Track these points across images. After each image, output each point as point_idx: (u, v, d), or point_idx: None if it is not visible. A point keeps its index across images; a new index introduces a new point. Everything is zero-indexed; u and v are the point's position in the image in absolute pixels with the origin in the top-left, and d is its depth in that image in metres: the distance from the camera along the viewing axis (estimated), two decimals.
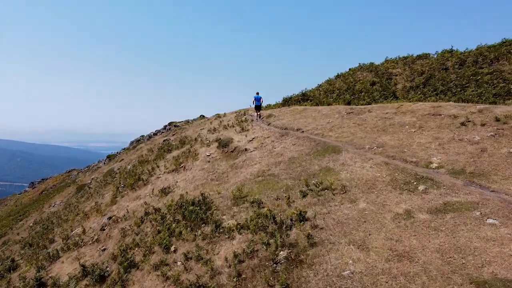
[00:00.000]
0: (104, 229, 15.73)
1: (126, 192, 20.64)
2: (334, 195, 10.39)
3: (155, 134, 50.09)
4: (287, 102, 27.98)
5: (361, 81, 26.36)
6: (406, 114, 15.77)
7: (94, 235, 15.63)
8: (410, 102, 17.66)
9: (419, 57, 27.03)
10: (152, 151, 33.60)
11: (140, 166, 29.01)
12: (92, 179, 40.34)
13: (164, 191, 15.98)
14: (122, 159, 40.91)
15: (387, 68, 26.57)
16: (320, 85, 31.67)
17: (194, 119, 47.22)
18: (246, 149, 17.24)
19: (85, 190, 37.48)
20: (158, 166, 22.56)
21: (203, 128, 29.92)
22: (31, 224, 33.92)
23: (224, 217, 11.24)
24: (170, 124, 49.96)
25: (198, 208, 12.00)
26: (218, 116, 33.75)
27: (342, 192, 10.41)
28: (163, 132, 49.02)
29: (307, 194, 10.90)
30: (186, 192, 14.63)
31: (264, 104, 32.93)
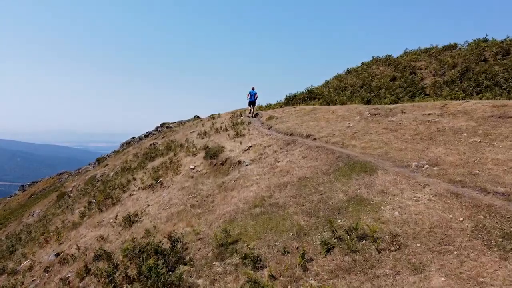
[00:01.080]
0: (48, 271, 11.40)
1: (93, 212, 16.30)
2: (380, 252, 6.08)
3: (146, 136, 45.72)
4: (291, 101, 23.60)
5: (378, 76, 21.96)
6: (457, 116, 11.38)
7: (33, 280, 11.30)
8: (457, 100, 13.28)
9: (446, 48, 22.64)
10: (137, 156, 29.27)
11: (121, 174, 24.78)
12: (73, 186, 35.95)
13: (129, 220, 11.60)
14: (107, 165, 36.54)
15: (409, 61, 22.15)
16: (328, 81, 27.28)
17: (188, 120, 42.86)
18: (240, 162, 12.89)
19: (64, 199, 33.02)
20: (134, 179, 18.20)
21: (193, 131, 25.57)
22: (2, 238, 29.52)
23: (199, 281, 6.89)
24: (162, 125, 45.61)
25: (163, 261, 7.63)
26: (211, 117, 29.37)
27: (393, 248, 6.10)
28: (154, 134, 44.64)
29: (334, 246, 6.58)
30: (154, 227, 10.25)
31: (262, 103, 28.61)
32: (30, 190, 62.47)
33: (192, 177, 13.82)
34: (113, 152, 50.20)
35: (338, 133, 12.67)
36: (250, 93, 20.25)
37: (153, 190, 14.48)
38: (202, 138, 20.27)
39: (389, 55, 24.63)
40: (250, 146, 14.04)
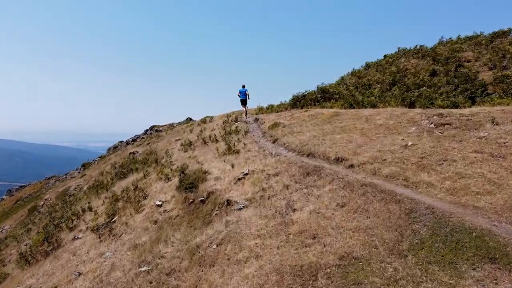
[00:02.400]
0: None
1: (17, 269, 11.09)
2: None
3: (133, 140, 40.48)
4: (299, 102, 18.43)
5: (411, 71, 16.78)
6: None
7: None
8: None
9: (496, 35, 17.45)
10: (115, 167, 24.11)
11: (88, 193, 19.73)
12: (46, 200, 30.68)
13: None
14: (85, 175, 31.34)
15: (451, 52, 16.96)
16: (343, 78, 22.11)
17: (179, 123, 37.68)
18: (229, 202, 7.72)
19: (33, 214, 27.76)
20: (90, 208, 13.08)
21: (179, 139, 20.44)
22: None
23: None
24: (151, 128, 40.43)
25: None
26: (203, 121, 24.19)
27: None
28: (143, 137, 39.38)
29: None
30: None
31: (263, 104, 23.47)
32: (17, 195, 57.08)
33: (155, 221, 8.67)
34: (99, 158, 45.02)
35: (390, 157, 7.47)
36: (240, 92, 17.44)
37: (100, 238, 9.33)
38: (185, 151, 15.11)
39: (421, 46, 19.45)
40: (246, 174, 8.85)
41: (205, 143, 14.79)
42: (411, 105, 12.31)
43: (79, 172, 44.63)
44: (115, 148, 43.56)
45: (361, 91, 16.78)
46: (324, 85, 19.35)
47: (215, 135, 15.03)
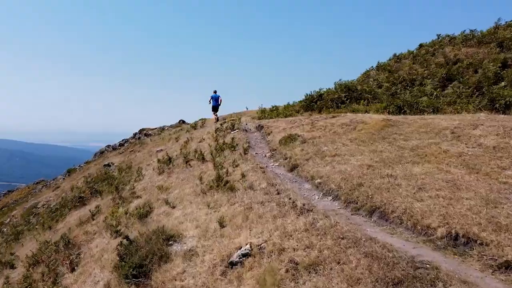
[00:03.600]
0: None
1: None
2: None
3: (121, 144, 35.70)
4: (315, 102, 13.78)
5: (469, 62, 12.07)
6: None
7: None
8: None
9: None
10: (87, 181, 19.46)
11: (45, 218, 15.07)
12: (12, 216, 25.89)
13: None
14: (59, 187, 26.61)
15: None
16: (367, 73, 17.47)
17: (171, 126, 32.98)
18: None
19: None
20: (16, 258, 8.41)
21: (160, 150, 15.78)
22: None
23: None
24: (140, 131, 35.64)
25: None
26: (193, 126, 19.48)
27: None
28: (131, 142, 34.70)
29: None
30: None
31: (266, 105, 18.95)
32: (3, 200, 52.44)
33: None
34: (85, 163, 40.26)
35: None
36: (212, 97, 16.26)
37: None
38: (159, 173, 10.42)
39: (471, 30, 14.77)
40: (247, 254, 4.18)
41: (186, 162, 10.08)
42: (506, 108, 7.63)
43: (63, 178, 39.72)
44: (101, 153, 38.68)
45: (400, 88, 12.11)
46: (345, 82, 14.68)
47: (201, 151, 10.32)
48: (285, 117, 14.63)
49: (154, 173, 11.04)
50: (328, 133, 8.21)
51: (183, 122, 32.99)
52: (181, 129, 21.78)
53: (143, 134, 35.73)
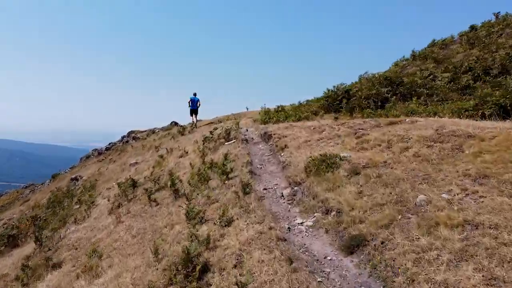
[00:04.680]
0: None
1: None
2: None
3: (107, 148, 31.74)
4: (340, 101, 9.81)
5: None
6: None
7: None
8: None
9: None
10: (50, 199, 15.56)
11: None
12: None
13: None
14: (28, 200, 22.62)
15: None
16: (400, 64, 13.50)
17: (162, 128, 28.98)
18: None
19: None
20: None
21: (135, 163, 11.88)
22: None
23: None
24: (129, 134, 31.70)
25: None
26: (180, 131, 15.45)
27: None
28: (117, 145, 30.70)
29: None
30: None
31: (269, 105, 15.14)
32: None
33: None
34: (70, 169, 36.21)
35: None
36: (191, 100, 14.87)
37: None
38: (110, 213, 6.50)
39: None
40: None
41: (150, 197, 6.11)
42: None
43: (48, 184, 35.53)
44: (87, 158, 34.55)
45: (470, 80, 8.13)
46: (379, 73, 10.69)
47: (177, 176, 6.37)
48: (298, 120, 10.66)
49: (106, 208, 7.06)
50: (403, 157, 4.24)
51: (176, 124, 28.89)
52: (168, 134, 17.81)
53: (131, 137, 31.79)
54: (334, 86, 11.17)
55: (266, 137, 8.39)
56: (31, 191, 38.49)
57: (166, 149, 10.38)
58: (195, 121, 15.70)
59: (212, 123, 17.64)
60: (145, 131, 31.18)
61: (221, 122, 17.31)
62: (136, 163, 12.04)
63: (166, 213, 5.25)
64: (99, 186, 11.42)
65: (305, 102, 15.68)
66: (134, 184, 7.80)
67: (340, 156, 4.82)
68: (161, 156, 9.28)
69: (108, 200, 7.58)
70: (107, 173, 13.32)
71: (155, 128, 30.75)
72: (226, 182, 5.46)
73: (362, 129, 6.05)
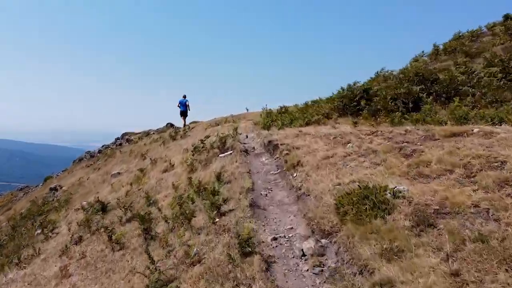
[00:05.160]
0: None
1: None
2: None
3: (100, 151, 29.99)
4: (357, 102, 8.06)
5: None
6: None
7: None
8: None
9: None
10: (37, 203, 13.87)
11: None
12: None
13: None
14: (10, 209, 20.94)
15: None
16: (419, 59, 11.77)
17: (157, 130, 27.26)
18: None
19: None
20: None
21: (117, 174, 10.15)
22: None
23: None
24: (123, 136, 30.03)
25: None
26: (172, 136, 13.66)
27: None
28: (113, 146, 28.96)
29: None
30: None
31: (272, 106, 13.57)
32: None
33: None
34: (62, 172, 34.49)
35: None
36: (180, 102, 14.45)
37: None
38: (62, 254, 4.80)
39: None
40: None
41: (113, 243, 4.38)
42: None
43: (40, 187, 33.78)
44: (79, 160, 32.86)
45: None
46: (416, 66, 8.94)
47: (157, 201, 4.66)
48: (307, 124, 8.93)
49: (61, 243, 5.31)
50: (508, 199, 2.47)
51: (171, 125, 27.14)
52: (160, 137, 16.04)
53: (125, 139, 30.23)
54: (348, 85, 9.40)
55: (271, 147, 6.64)
56: (24, 193, 36.65)
57: (151, 159, 8.60)
58: (184, 122, 15.52)
59: (209, 125, 15.91)
60: (140, 133, 29.44)
61: (218, 125, 15.55)
62: (119, 173, 10.28)
63: (127, 269, 3.51)
64: (74, 201, 9.69)
65: (310, 102, 13.90)
66: (103, 208, 6.07)
67: (391, 189, 3.06)
68: (142, 170, 7.51)
69: (69, 230, 5.85)
70: (87, 184, 11.57)
71: (150, 130, 29.01)
72: (217, 220, 3.72)
73: (407, 142, 4.29)
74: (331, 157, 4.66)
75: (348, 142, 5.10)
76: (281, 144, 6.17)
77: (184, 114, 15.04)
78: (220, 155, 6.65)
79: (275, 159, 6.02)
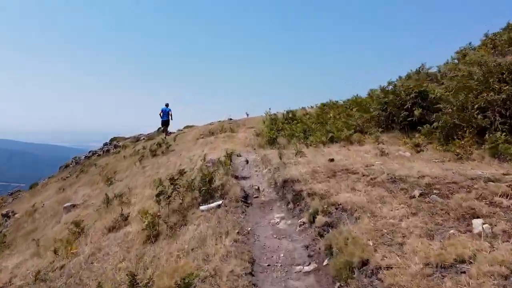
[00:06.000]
0: None
1: None
2: None
3: (87, 157, 27.20)
4: (410, 112, 5.28)
5: None
6: None
7: None
8: None
9: None
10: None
11: None
12: None
13: None
14: None
15: None
16: (465, 52, 8.84)
17: (149, 134, 24.48)
18: None
19: None
20: None
21: (72, 207, 7.37)
22: None
23: None
24: (111, 141, 27.25)
25: None
26: (153, 151, 10.75)
27: None
28: (99, 154, 26.18)
29: None
30: None
31: (277, 109, 10.81)
32: None
33: None
34: (48, 178, 31.67)
35: None
36: (162, 111, 13.35)
37: None
38: None
39: None
40: None
41: None
42: None
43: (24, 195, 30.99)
44: (66, 166, 30.02)
45: None
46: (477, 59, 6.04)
47: None
48: (331, 141, 6.13)
49: None
50: None
51: (163, 130, 24.36)
52: (143, 148, 13.20)
53: (113, 145, 27.36)
54: (390, 83, 6.55)
55: (289, 192, 3.81)
56: (14, 199, 33.52)
57: (106, 195, 5.72)
58: (166, 134, 14.84)
59: (202, 135, 13.09)
60: (129, 138, 26.59)
61: (212, 133, 12.73)
62: (73, 206, 7.46)
63: None
64: (13, 242, 6.92)
65: (325, 106, 11.02)
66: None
67: None
68: (78, 225, 4.64)
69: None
70: (37, 215, 8.78)
71: (140, 135, 26.10)
72: None
73: None
74: (440, 266, 1.81)
75: (472, 215, 2.26)
76: (308, 195, 3.35)
77: (166, 123, 14.29)
78: (201, 207, 3.82)
79: (300, 225, 3.19)
